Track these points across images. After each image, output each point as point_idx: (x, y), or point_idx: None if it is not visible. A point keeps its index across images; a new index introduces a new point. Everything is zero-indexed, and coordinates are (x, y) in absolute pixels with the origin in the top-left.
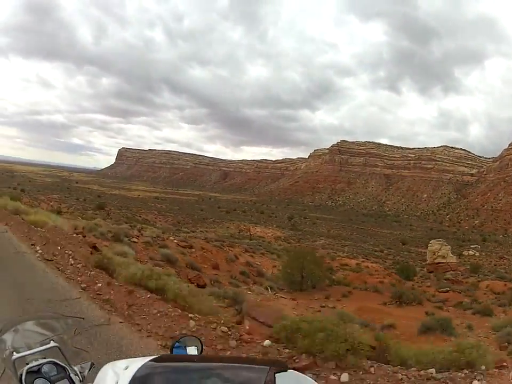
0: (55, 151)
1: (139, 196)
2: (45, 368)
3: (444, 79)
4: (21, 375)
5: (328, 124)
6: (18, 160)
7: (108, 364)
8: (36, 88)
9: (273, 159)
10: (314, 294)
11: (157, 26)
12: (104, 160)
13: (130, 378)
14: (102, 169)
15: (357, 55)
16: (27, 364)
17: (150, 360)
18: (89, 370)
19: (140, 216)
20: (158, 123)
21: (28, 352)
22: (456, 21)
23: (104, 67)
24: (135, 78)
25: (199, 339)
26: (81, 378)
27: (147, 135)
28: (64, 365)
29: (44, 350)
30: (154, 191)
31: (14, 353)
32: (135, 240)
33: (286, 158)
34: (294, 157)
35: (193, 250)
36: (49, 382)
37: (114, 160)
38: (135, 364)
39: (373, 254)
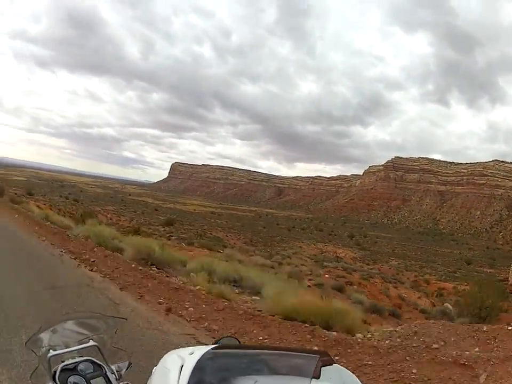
0: (106, 163)
1: (195, 210)
2: (81, 366)
3: (490, 89)
4: (55, 372)
5: (380, 140)
6: (67, 170)
7: (171, 351)
8: (84, 101)
9: (328, 176)
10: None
11: (205, 42)
12: (156, 173)
13: (196, 361)
14: (155, 183)
15: (404, 67)
16: (62, 361)
17: (212, 348)
18: (126, 369)
19: (211, 233)
20: (211, 138)
21: (65, 350)
22: (496, 27)
23: (154, 82)
24: (186, 94)
25: (237, 339)
26: (117, 377)
27: (199, 150)
28: (101, 363)
29: (81, 348)
30: (209, 206)
31: (51, 351)
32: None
33: (340, 175)
34: (347, 174)
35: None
36: (85, 379)
37: (167, 174)
38: (199, 351)
39: (452, 276)
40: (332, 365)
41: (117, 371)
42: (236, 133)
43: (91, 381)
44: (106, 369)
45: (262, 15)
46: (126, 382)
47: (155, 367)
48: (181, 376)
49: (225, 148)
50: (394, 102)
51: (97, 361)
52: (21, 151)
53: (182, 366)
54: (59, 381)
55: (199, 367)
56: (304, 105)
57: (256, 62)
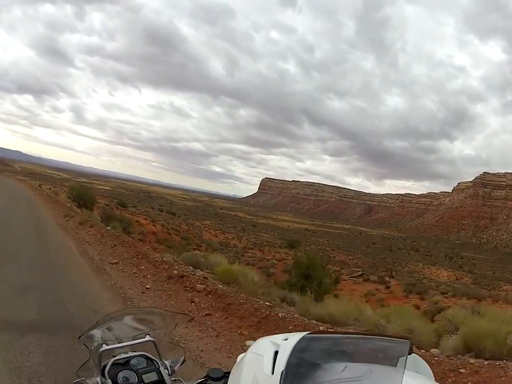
0: (193, 176)
1: (289, 226)
2: (134, 361)
3: None
4: (105, 366)
5: (465, 155)
6: (154, 182)
7: (263, 338)
8: (170, 116)
9: (417, 193)
10: None
11: (289, 58)
12: (245, 188)
13: (292, 346)
14: (244, 198)
15: (484, 77)
16: (114, 356)
17: (305, 334)
18: (180, 364)
19: (334, 257)
20: (300, 154)
21: (118, 345)
22: None
23: (241, 99)
24: (275, 110)
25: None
26: (170, 372)
27: (288, 166)
28: (155, 358)
29: (135, 343)
30: (301, 223)
31: (103, 345)
32: None
33: (430, 192)
34: (434, 190)
35: None
36: (136, 374)
37: (256, 189)
38: (293, 337)
39: None
40: (410, 354)
41: (170, 366)
42: (325, 149)
43: (143, 376)
44: (160, 365)
45: (342, 29)
46: (178, 378)
47: (241, 355)
48: (277, 361)
49: (315, 164)
50: (477, 115)
51: (151, 357)
52: (106, 162)
53: (276, 351)
54: (108, 375)
55: (295, 352)
56: (391, 120)
57: (341, 77)
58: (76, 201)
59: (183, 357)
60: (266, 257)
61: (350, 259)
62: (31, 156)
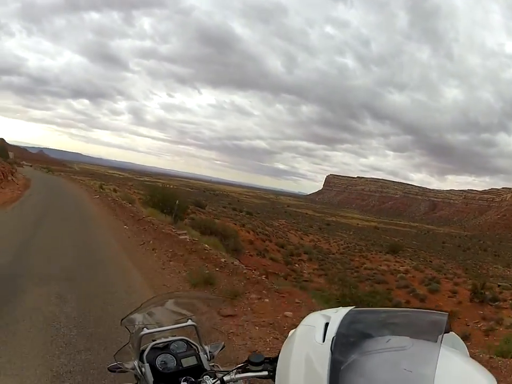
0: (258, 174)
1: (358, 224)
2: (174, 345)
3: None
4: (143, 350)
5: None
6: (218, 180)
7: (313, 312)
8: (232, 115)
9: (479, 190)
10: None
11: (347, 52)
12: (310, 185)
13: (341, 318)
14: (309, 194)
15: None
16: (153, 340)
17: (353, 308)
18: (220, 350)
19: (430, 261)
20: (363, 150)
21: (158, 329)
22: None
23: (302, 95)
24: (336, 105)
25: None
26: (209, 358)
27: (352, 163)
28: (195, 343)
29: (176, 328)
30: (369, 220)
31: (144, 329)
32: None
33: (492, 188)
34: (495, 186)
35: None
36: (176, 358)
37: (320, 186)
38: (343, 310)
39: None
40: (448, 332)
41: (209, 352)
42: (388, 144)
43: (182, 360)
44: (199, 350)
45: (394, 20)
46: (215, 364)
47: (292, 330)
48: (328, 330)
49: (378, 160)
50: None
51: (191, 341)
52: (168, 162)
53: (327, 323)
54: (146, 359)
55: (344, 322)
56: (452, 113)
57: (399, 70)
58: (156, 207)
59: (223, 343)
60: (379, 267)
61: (443, 263)
62: (91, 157)
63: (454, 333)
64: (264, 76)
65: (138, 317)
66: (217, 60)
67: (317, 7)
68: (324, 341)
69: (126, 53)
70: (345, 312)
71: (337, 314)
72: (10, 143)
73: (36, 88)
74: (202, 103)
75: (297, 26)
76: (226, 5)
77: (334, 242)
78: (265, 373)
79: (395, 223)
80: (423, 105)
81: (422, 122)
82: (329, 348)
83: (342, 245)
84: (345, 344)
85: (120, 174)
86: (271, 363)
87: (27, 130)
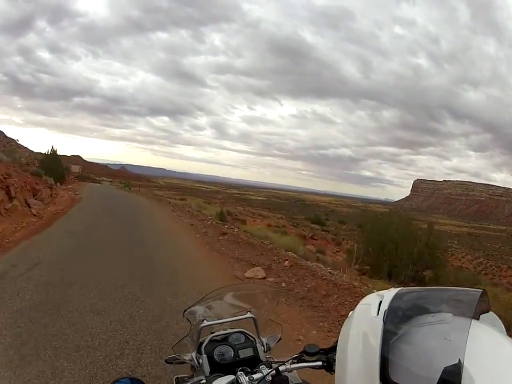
0: (344, 182)
1: (451, 231)
2: (232, 337)
3: None
4: (201, 342)
5: None
6: (305, 190)
7: (371, 294)
8: (315, 124)
9: None
10: None
11: (419, 52)
12: (396, 191)
13: (393, 295)
14: (397, 201)
15: None
16: (212, 333)
17: (402, 287)
18: (276, 342)
19: None
20: (446, 152)
21: (218, 321)
22: None
23: (382, 100)
24: (415, 108)
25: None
26: (265, 349)
27: (436, 166)
28: (253, 335)
29: (235, 320)
30: (460, 225)
31: (205, 321)
32: None
33: None
34: None
35: None
36: (233, 350)
37: (408, 192)
38: (394, 289)
39: None
40: (488, 312)
41: (266, 343)
42: (469, 144)
43: (239, 351)
44: (257, 341)
45: (457, 14)
46: (271, 356)
47: (351, 311)
48: (381, 305)
49: (461, 162)
50: None
51: (249, 333)
52: (254, 173)
53: (381, 301)
54: (204, 350)
55: (395, 299)
56: None
57: (470, 66)
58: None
59: (280, 334)
60: None
61: None
62: (175, 171)
63: (492, 312)
64: (341, 82)
65: (199, 309)
66: (294, 70)
67: (381, 8)
68: (377, 314)
69: (200, 69)
70: (396, 291)
71: (389, 293)
72: (89, 160)
73: (111, 107)
74: (284, 114)
75: (366, 29)
76: (293, 14)
77: (462, 257)
78: (320, 363)
79: (484, 227)
80: (498, 101)
81: (500, 119)
82: (382, 319)
83: (470, 260)
84: (396, 317)
85: (206, 187)
86: (325, 353)
87: (107, 148)
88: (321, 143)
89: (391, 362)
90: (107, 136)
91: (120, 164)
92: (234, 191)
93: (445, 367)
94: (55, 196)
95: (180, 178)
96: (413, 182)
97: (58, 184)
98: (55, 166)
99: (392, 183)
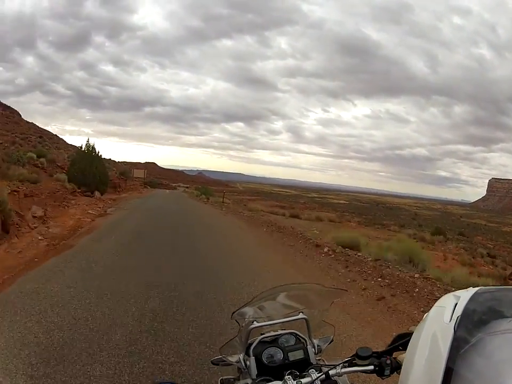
0: (421, 183)
1: None
2: (282, 339)
3: None
4: (250, 344)
5: None
6: (384, 193)
7: (447, 294)
8: (389, 124)
9: None
10: None
11: (480, 42)
12: (472, 191)
13: (469, 297)
14: (474, 202)
15: None
16: (262, 334)
17: (482, 287)
18: (328, 344)
19: None
20: None
21: (268, 322)
22: None
23: (452, 95)
24: (485, 102)
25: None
26: (316, 351)
27: (509, 163)
28: (304, 336)
29: (286, 321)
30: None
31: (254, 322)
32: None
33: None
34: None
35: None
36: (283, 352)
37: (484, 192)
38: (472, 289)
39: None
40: None
41: (317, 345)
42: None
43: (289, 353)
44: (308, 343)
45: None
46: (321, 359)
47: (426, 313)
48: (455, 310)
49: None
50: None
51: (300, 335)
52: (332, 176)
53: (456, 303)
54: (253, 352)
55: (471, 302)
56: None
57: None
58: None
59: (332, 336)
60: None
61: None
62: (254, 176)
63: None
64: (411, 79)
65: (248, 311)
66: (363, 69)
67: None
68: (450, 320)
69: (271, 73)
70: (474, 292)
71: (466, 294)
72: (165, 167)
73: (185, 116)
74: (358, 114)
75: (427, 21)
76: (354, 12)
77: None
78: (371, 367)
79: None
80: None
81: None
82: (453, 327)
83: None
84: (470, 323)
85: (286, 192)
86: (378, 357)
87: (183, 155)
88: (397, 143)
89: (456, 374)
90: (183, 143)
91: (198, 170)
92: (315, 195)
93: None
94: (49, 219)
95: (258, 183)
96: (488, 181)
97: (97, 193)
98: (90, 169)
99: (467, 183)
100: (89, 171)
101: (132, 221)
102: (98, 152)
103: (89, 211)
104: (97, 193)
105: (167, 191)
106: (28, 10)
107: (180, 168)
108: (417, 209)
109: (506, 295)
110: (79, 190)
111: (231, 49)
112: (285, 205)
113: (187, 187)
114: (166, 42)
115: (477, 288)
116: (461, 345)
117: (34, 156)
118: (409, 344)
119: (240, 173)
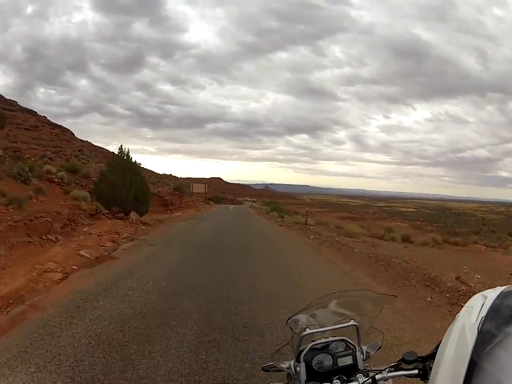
0: (483, 186)
1: None
2: (333, 346)
3: None
4: (301, 351)
5: None
6: (448, 198)
7: (477, 294)
8: (449, 126)
9: None
10: None
11: None
12: None
13: (495, 297)
14: None
15: None
16: (313, 341)
17: (509, 286)
18: (376, 350)
19: None
20: None
21: (320, 329)
22: None
23: (505, 91)
24: None
25: None
26: (365, 357)
27: None
28: (353, 343)
29: (336, 328)
30: None
31: (307, 329)
32: None
33: None
34: None
35: None
36: (332, 358)
37: None
38: (499, 288)
39: None
40: None
41: (366, 352)
42: None
43: (338, 359)
44: (357, 349)
45: None
46: (369, 365)
47: (457, 313)
48: (481, 310)
49: None
50: None
51: (350, 341)
52: (398, 184)
53: (483, 304)
54: (303, 358)
55: (497, 302)
56: None
57: None
58: None
59: (380, 343)
60: None
61: None
62: (320, 187)
63: None
64: (465, 77)
65: (302, 318)
66: (419, 71)
67: None
68: (476, 320)
69: (329, 83)
70: (500, 291)
71: (493, 294)
72: (231, 181)
73: (248, 130)
74: (418, 119)
75: (470, 16)
76: (400, 14)
77: None
78: (416, 371)
79: None
80: None
81: None
82: (477, 328)
83: None
84: (495, 322)
85: (353, 202)
86: (423, 361)
87: (248, 169)
88: (458, 145)
89: (480, 369)
90: (247, 157)
91: (264, 184)
92: (382, 204)
93: None
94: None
95: (325, 194)
96: None
97: (133, 214)
98: (122, 183)
99: None
100: (121, 186)
101: (146, 278)
102: (135, 162)
103: (82, 252)
104: (133, 215)
105: (231, 206)
106: (72, 34)
107: (246, 182)
108: (482, 213)
109: None
110: (107, 211)
111: (287, 61)
112: (355, 216)
113: (254, 201)
114: (220, 58)
115: (504, 287)
116: (486, 343)
117: (54, 169)
118: (440, 343)
119: (306, 185)
